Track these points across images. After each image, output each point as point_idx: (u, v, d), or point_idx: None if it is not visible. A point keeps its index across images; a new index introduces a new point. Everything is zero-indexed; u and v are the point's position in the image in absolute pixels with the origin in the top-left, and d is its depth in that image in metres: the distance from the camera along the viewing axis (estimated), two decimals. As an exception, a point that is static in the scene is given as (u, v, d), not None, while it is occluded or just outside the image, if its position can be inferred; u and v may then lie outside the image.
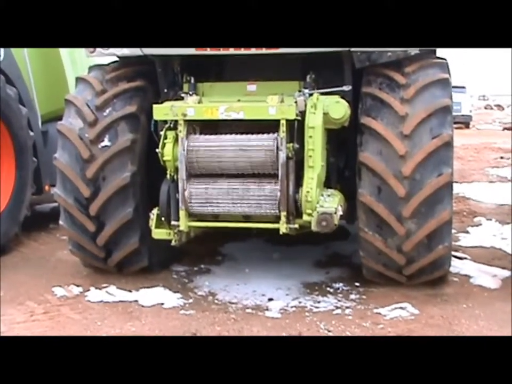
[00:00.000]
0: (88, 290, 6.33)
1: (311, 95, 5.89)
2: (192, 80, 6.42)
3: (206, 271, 6.96)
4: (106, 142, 6.21)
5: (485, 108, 50.32)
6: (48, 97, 8.65)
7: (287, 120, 5.69)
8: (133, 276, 6.60)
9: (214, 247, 7.69)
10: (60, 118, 6.53)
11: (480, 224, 8.94)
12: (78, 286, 6.44)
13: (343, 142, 6.36)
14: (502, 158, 17.01)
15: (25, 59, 8.20)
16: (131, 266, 6.58)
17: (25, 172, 7.89)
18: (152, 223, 6.19)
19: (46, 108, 8.63)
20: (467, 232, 8.51)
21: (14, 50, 7.85)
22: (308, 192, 5.70)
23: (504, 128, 29.53)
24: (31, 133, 8.01)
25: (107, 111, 6.29)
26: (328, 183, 6.10)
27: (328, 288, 6.39)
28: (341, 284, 6.47)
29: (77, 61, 9.08)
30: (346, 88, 6.00)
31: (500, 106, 51.06)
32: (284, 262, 7.12)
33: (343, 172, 6.51)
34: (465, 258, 7.24)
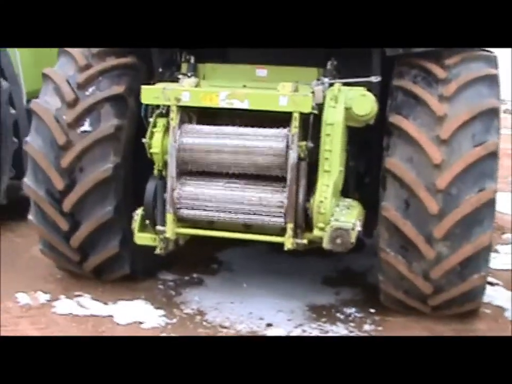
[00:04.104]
0: (57, 299, 5.54)
1: (331, 85, 5.10)
2: (192, 60, 5.59)
3: (198, 282, 6.11)
4: (86, 127, 5.42)
5: (504, 112, 49.47)
6: (37, 72, 7.79)
7: (301, 114, 4.88)
8: (112, 284, 5.80)
9: (210, 252, 6.81)
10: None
11: (510, 243, 8.04)
12: (46, 293, 5.63)
13: (365, 143, 5.56)
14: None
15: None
16: (110, 273, 5.78)
17: (3, 153, 7.07)
18: (135, 225, 5.36)
19: (33, 84, 7.77)
20: (496, 251, 7.59)
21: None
22: (321, 202, 4.89)
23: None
24: (13, 111, 7.22)
25: (90, 90, 5.50)
26: (345, 191, 5.28)
27: (338, 314, 5.55)
28: (353, 310, 5.61)
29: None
30: (375, 79, 5.21)
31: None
32: (288, 277, 6.26)
33: (362, 178, 5.71)
34: (497, 284, 6.39)
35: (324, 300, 5.81)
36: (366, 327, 5.31)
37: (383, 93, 5.28)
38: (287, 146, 4.89)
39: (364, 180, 5.71)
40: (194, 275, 6.23)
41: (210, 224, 5.25)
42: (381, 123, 5.19)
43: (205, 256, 6.68)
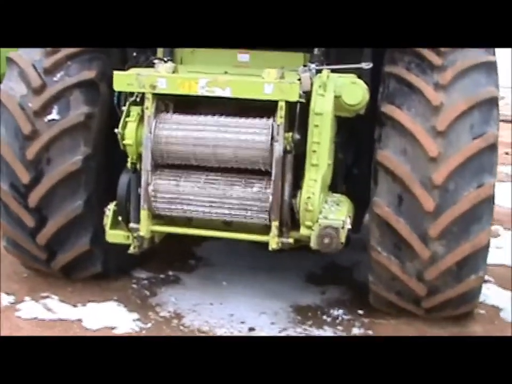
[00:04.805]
0: (22, 301, 5.18)
1: (319, 71, 4.74)
2: (169, 43, 5.22)
3: (174, 281, 5.77)
4: (54, 115, 5.07)
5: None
6: (4, 55, 7.45)
7: (287, 103, 4.53)
8: (83, 284, 5.46)
9: (188, 246, 6.48)
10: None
11: (498, 235, 7.76)
12: (9, 294, 5.27)
13: (353, 132, 5.24)
14: (507, 153, 16.05)
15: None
16: (81, 271, 5.44)
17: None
18: (107, 221, 5.01)
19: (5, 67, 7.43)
20: (485, 245, 7.33)
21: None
22: (308, 198, 4.55)
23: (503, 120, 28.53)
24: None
25: (58, 75, 5.14)
26: (333, 186, 4.96)
27: (324, 316, 5.25)
28: (341, 311, 5.31)
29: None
30: (366, 65, 4.85)
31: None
32: (271, 274, 5.94)
33: (350, 169, 5.39)
34: (489, 281, 6.09)
35: (309, 300, 5.51)
36: (355, 330, 5.02)
37: (374, 80, 4.97)
38: (272, 138, 4.55)
39: (352, 172, 5.39)
40: (170, 273, 5.90)
41: (188, 222, 4.93)
42: (371, 112, 4.88)
43: (182, 252, 6.33)
